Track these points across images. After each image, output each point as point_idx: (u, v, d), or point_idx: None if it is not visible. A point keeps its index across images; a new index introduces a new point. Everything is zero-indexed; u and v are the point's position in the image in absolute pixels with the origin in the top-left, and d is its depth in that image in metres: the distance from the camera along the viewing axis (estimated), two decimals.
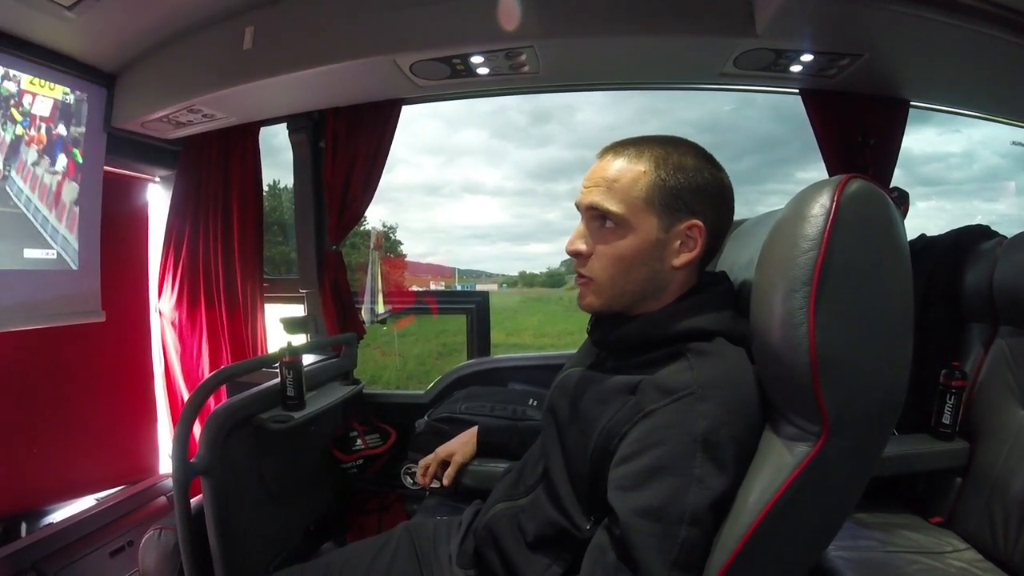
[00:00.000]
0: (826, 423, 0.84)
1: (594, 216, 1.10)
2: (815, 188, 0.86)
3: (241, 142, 2.87)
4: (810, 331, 0.81)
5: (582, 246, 1.11)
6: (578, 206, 1.13)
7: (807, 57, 2.20)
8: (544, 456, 1.24)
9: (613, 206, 1.05)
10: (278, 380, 2.06)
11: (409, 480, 2.48)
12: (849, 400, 0.84)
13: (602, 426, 1.03)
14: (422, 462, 1.68)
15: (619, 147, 1.10)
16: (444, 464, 1.67)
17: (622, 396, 1.04)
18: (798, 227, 0.84)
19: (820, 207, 0.83)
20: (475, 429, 1.68)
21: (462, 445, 1.65)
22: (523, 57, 2.22)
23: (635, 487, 0.92)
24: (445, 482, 1.58)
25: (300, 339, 2.79)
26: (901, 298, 0.86)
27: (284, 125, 2.88)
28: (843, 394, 0.83)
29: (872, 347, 0.85)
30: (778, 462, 0.89)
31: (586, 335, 1.29)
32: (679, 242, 1.07)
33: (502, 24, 2.04)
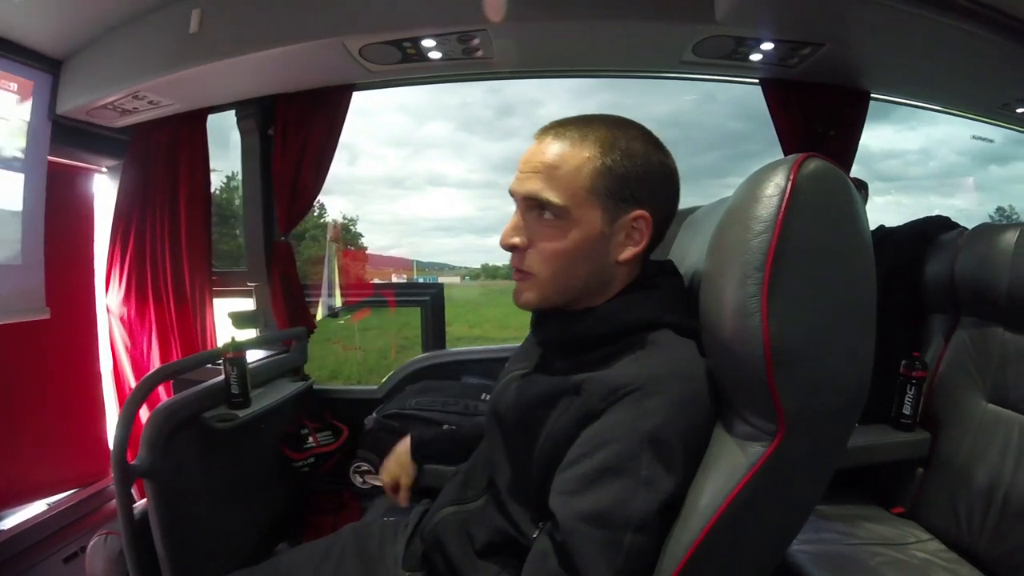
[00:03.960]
0: (782, 421, 0.78)
1: (531, 206, 1.00)
2: (769, 167, 0.80)
3: (189, 130, 2.78)
4: (763, 321, 0.75)
5: (517, 239, 1.01)
6: (513, 194, 1.03)
7: (768, 46, 2.19)
8: (490, 461, 1.17)
9: (554, 196, 0.96)
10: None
11: (359, 479, 2.42)
12: (807, 396, 0.78)
13: (548, 431, 0.96)
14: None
15: (560, 127, 1.00)
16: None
17: (567, 398, 0.96)
18: (751, 209, 0.78)
19: (774, 187, 0.76)
20: (406, 445, 1.54)
21: (402, 468, 1.53)
22: (476, 41, 2.17)
23: (578, 491, 0.86)
24: (403, 504, 1.49)
25: (250, 334, 2.73)
26: (863, 284, 0.80)
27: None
28: (801, 389, 0.77)
29: (832, 338, 0.79)
30: (730, 463, 0.83)
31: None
32: (624, 235, 0.99)
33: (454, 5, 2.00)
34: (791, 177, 0.76)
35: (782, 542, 0.97)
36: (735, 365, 0.82)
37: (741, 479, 0.80)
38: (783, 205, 0.75)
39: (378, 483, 1.56)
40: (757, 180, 0.80)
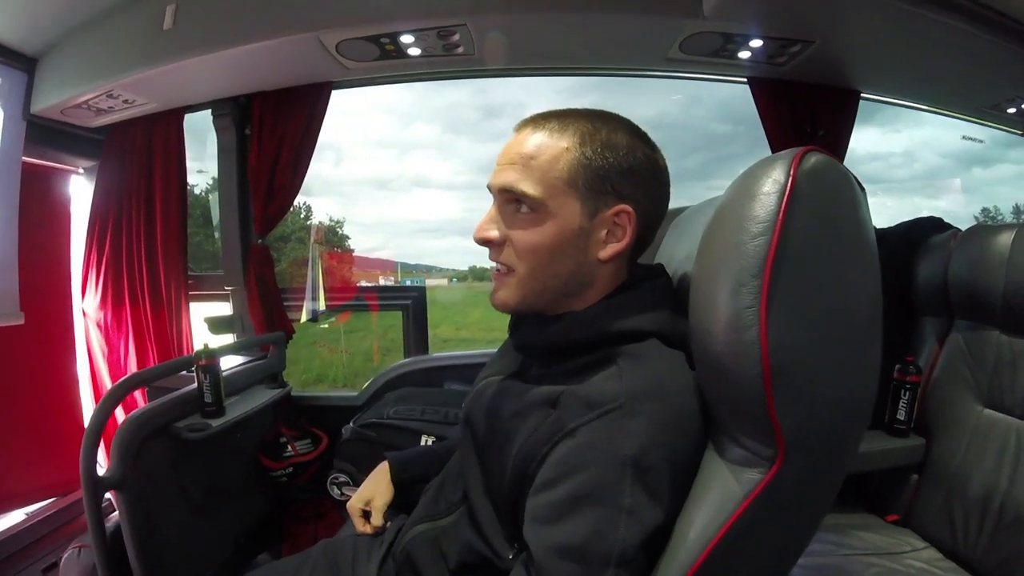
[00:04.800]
0: (782, 445, 0.71)
1: (508, 199, 0.95)
2: (766, 162, 0.72)
3: (165, 130, 2.73)
4: (762, 334, 0.67)
5: (493, 232, 0.97)
6: (490, 188, 0.99)
7: (756, 43, 2.16)
8: (463, 474, 1.11)
9: (529, 188, 0.91)
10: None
11: (336, 491, 2.37)
12: (809, 416, 0.71)
13: (519, 446, 0.90)
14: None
15: (540, 120, 0.95)
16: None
17: (542, 410, 0.90)
18: (746, 208, 0.71)
19: (772, 183, 0.69)
20: (386, 465, 1.48)
21: (377, 486, 1.45)
22: (456, 36, 2.12)
23: (554, 520, 0.80)
24: (371, 530, 1.38)
25: (227, 339, 2.68)
26: (869, 291, 0.74)
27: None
28: (802, 410, 0.71)
29: (837, 351, 0.72)
30: (723, 491, 0.76)
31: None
32: (606, 231, 0.93)
33: None
34: (791, 173, 0.69)
35: (782, 571, 0.89)
36: (728, 383, 0.74)
37: (736, 509, 0.74)
38: (783, 203, 0.68)
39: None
40: (752, 176, 0.73)
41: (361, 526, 1.39)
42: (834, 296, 0.72)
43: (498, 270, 0.99)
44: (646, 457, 0.77)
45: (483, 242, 0.98)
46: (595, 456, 0.79)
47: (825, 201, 0.71)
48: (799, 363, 0.70)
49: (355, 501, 1.42)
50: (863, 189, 0.75)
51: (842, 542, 1.78)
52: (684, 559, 0.75)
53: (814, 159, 0.71)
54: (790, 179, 0.69)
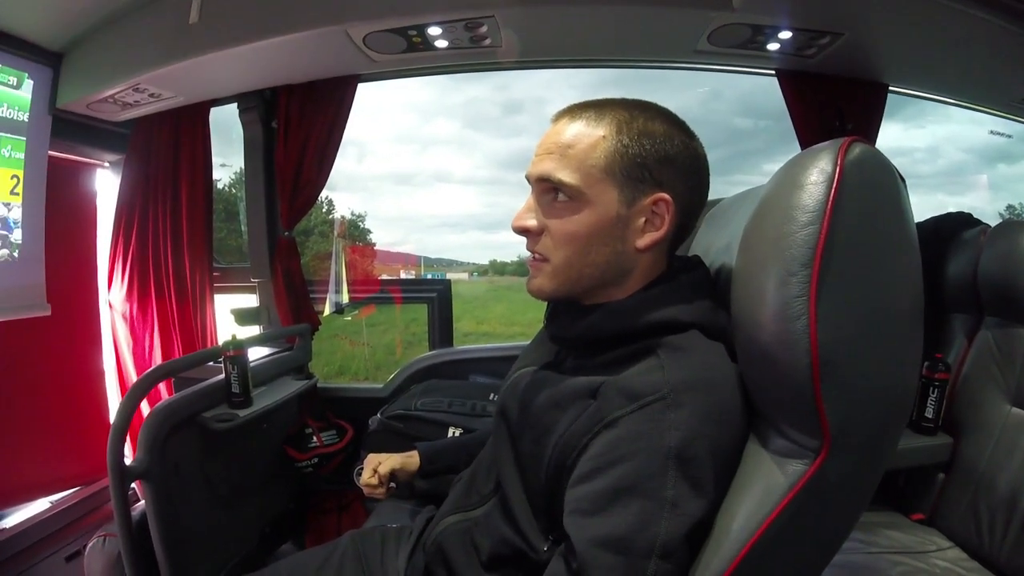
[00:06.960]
0: (827, 437, 0.70)
1: (546, 188, 0.95)
2: (812, 152, 0.72)
3: (191, 123, 2.74)
4: (811, 325, 0.67)
5: (531, 222, 0.97)
6: (528, 178, 0.99)
7: (785, 34, 2.13)
8: (496, 465, 1.10)
9: (566, 176, 0.91)
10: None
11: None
12: (855, 408, 0.70)
13: (558, 436, 0.89)
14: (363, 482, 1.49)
15: (577, 109, 0.95)
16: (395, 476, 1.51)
17: (581, 401, 0.89)
18: (793, 197, 0.70)
19: (820, 173, 0.69)
20: (416, 453, 1.50)
21: (406, 456, 1.48)
22: (484, 29, 2.10)
23: (595, 512, 0.79)
24: (376, 480, 1.43)
25: (253, 331, 2.69)
26: (912, 282, 0.74)
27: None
28: (849, 401, 0.70)
29: (883, 342, 0.71)
30: (767, 482, 0.75)
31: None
32: (643, 219, 0.92)
33: None
34: (838, 162, 0.68)
35: (819, 566, 0.87)
36: (775, 374, 0.74)
37: (780, 500, 0.73)
38: (832, 193, 0.67)
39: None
40: (798, 165, 0.72)
41: (369, 475, 1.44)
42: (880, 286, 0.71)
43: (534, 258, 0.99)
44: (689, 448, 0.77)
45: (521, 231, 0.98)
46: (637, 447, 0.78)
47: (872, 191, 0.70)
48: (847, 354, 0.69)
49: (378, 456, 1.47)
50: (903, 180, 0.74)
51: (868, 540, 1.77)
52: (727, 551, 0.75)
53: (859, 149, 0.70)
54: (838, 169, 0.68)
